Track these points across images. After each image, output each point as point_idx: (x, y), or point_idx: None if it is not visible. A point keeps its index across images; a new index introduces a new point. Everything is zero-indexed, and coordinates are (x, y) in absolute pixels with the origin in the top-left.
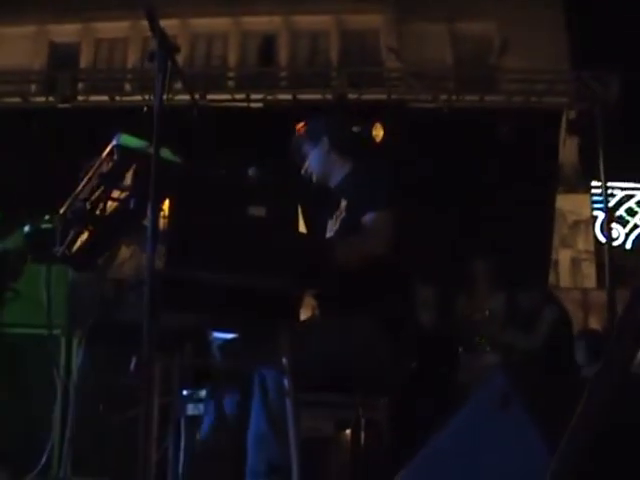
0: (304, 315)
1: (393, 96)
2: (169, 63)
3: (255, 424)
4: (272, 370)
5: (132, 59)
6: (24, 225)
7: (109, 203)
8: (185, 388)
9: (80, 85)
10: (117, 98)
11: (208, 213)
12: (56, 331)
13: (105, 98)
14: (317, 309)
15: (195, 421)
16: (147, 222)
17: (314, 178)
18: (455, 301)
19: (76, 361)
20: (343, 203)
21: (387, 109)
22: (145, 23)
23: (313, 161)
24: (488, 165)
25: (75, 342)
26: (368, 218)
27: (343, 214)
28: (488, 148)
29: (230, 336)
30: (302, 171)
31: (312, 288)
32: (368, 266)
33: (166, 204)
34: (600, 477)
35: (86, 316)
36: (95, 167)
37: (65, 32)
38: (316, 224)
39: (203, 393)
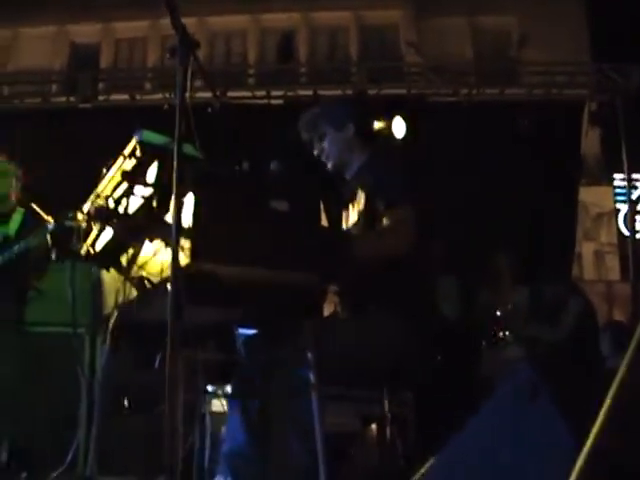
0: (327, 311)
1: (413, 91)
2: (191, 58)
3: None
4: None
5: (152, 58)
6: (47, 223)
7: (132, 200)
8: (210, 384)
9: (100, 85)
10: (137, 97)
11: (231, 208)
12: (80, 329)
13: (126, 97)
14: (339, 305)
15: (220, 418)
16: (170, 218)
17: (330, 164)
18: (478, 295)
19: (100, 359)
20: (360, 194)
21: (407, 104)
22: (164, 22)
23: (333, 145)
24: (509, 158)
25: (99, 340)
26: (389, 213)
27: (361, 206)
28: (509, 141)
29: (254, 332)
30: (316, 152)
31: (335, 283)
32: (390, 262)
33: (189, 200)
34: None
35: (111, 314)
36: (118, 164)
37: (85, 32)
38: (331, 213)
39: (228, 389)
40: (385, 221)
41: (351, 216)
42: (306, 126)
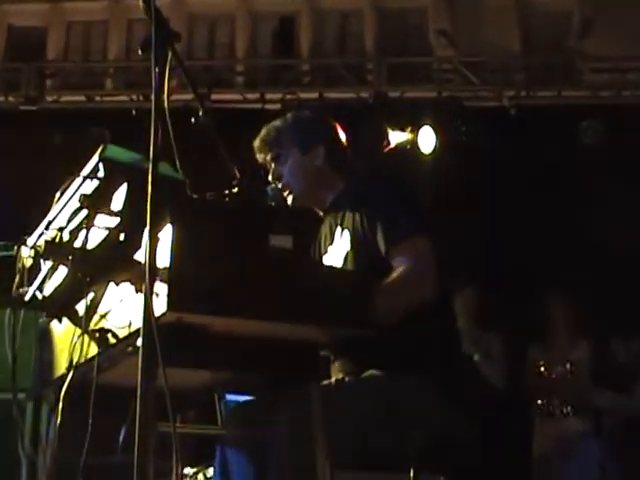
0: (335, 375)
1: (445, 93)
2: (169, 54)
3: None
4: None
5: (114, 48)
6: None
7: (93, 232)
8: (189, 466)
9: (48, 82)
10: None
11: (220, 244)
12: (22, 395)
13: (81, 98)
14: (349, 367)
15: None
16: (142, 256)
17: (291, 196)
18: (527, 352)
19: (47, 433)
20: (342, 231)
21: (438, 109)
22: (129, 2)
23: (295, 172)
24: (569, 177)
25: (46, 409)
26: (397, 251)
27: (347, 247)
28: (569, 156)
29: (245, 398)
30: (270, 178)
31: (350, 341)
32: (411, 313)
33: (166, 233)
34: None
35: (62, 377)
36: (74, 187)
37: (27, 13)
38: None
39: (210, 472)
40: (396, 263)
41: (331, 258)
42: (264, 143)
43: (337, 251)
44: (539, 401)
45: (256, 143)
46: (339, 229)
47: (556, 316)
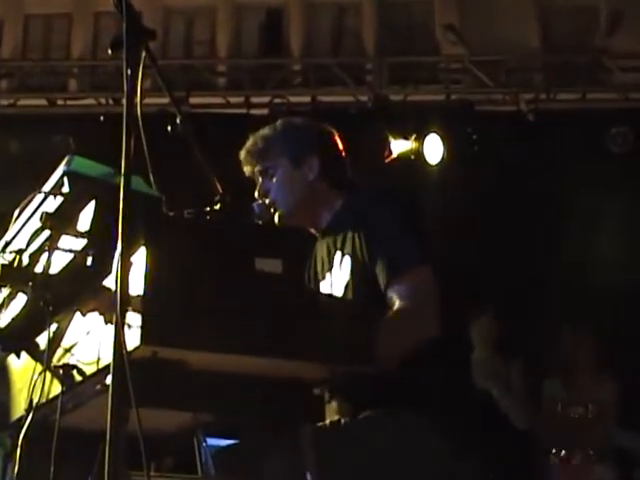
0: (329, 415)
1: (454, 96)
2: (142, 53)
3: None
4: None
5: (78, 45)
6: None
7: (56, 255)
8: None
9: (3, 82)
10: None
11: (200, 268)
12: None
13: (42, 101)
14: (348, 405)
15: None
16: (112, 283)
17: (278, 214)
18: (544, 390)
19: None
20: (342, 257)
21: (446, 114)
22: None
23: (286, 186)
24: (594, 191)
25: (1, 454)
26: (402, 284)
27: (348, 276)
28: (595, 166)
29: (229, 442)
30: (257, 193)
31: (348, 379)
32: (416, 350)
33: (140, 257)
34: None
35: (21, 419)
36: (35, 204)
37: None
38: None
39: None
40: (396, 297)
41: (330, 287)
42: (250, 155)
43: (337, 279)
44: (554, 449)
45: (242, 154)
46: (339, 254)
47: (577, 350)
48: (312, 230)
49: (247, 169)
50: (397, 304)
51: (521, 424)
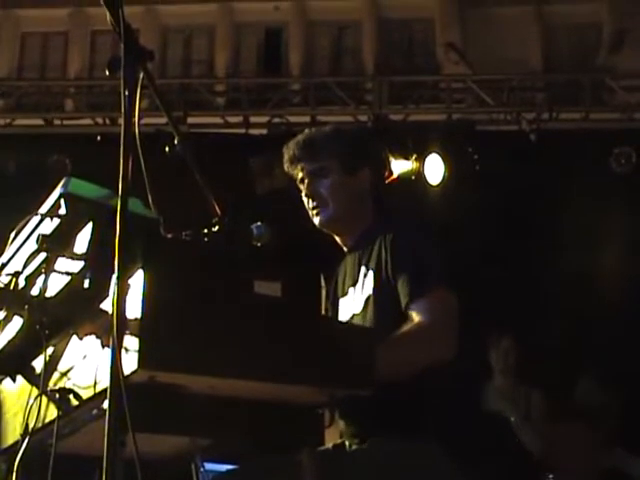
0: (330, 440)
1: (455, 115)
2: (140, 74)
3: None
4: None
5: (75, 64)
6: None
7: (52, 277)
8: None
9: (0, 102)
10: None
11: (198, 291)
12: None
13: (38, 121)
14: (349, 429)
15: None
16: (109, 306)
17: (323, 217)
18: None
19: None
20: (366, 271)
21: (447, 134)
22: (92, 11)
23: (339, 192)
24: (598, 212)
25: None
26: (424, 303)
27: (370, 291)
28: (598, 187)
29: (227, 467)
30: (304, 195)
31: (351, 401)
32: (427, 372)
33: (138, 280)
34: None
35: (15, 444)
36: (32, 226)
37: None
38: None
39: None
40: (415, 314)
41: (351, 302)
42: (303, 150)
43: (358, 294)
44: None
45: (290, 150)
46: (364, 269)
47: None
48: (341, 242)
49: (291, 167)
50: (413, 321)
51: (538, 452)
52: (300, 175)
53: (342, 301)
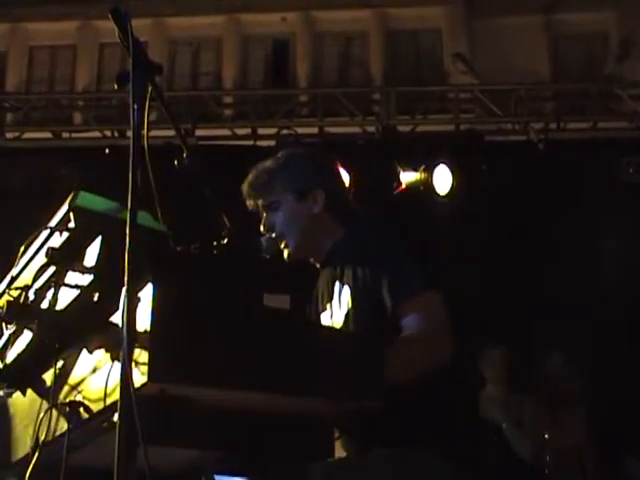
0: (341, 450)
1: (463, 126)
2: (149, 88)
3: None
4: None
5: (83, 77)
6: None
7: (62, 291)
8: None
9: (8, 116)
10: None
11: (207, 304)
12: None
13: (47, 134)
14: (358, 441)
15: None
16: (119, 319)
17: (287, 250)
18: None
19: None
20: (341, 287)
21: (455, 145)
22: (101, 24)
23: (290, 221)
24: (607, 223)
25: None
26: (410, 310)
27: (348, 306)
28: (607, 198)
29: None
30: (263, 228)
31: (355, 414)
32: (423, 379)
33: (147, 293)
34: None
35: (26, 457)
36: (41, 239)
37: None
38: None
39: None
40: (405, 323)
41: (330, 318)
42: (252, 189)
43: (336, 310)
44: None
45: (244, 188)
46: (338, 284)
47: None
48: (315, 262)
49: (250, 203)
50: (408, 328)
51: (529, 458)
52: (255, 209)
53: (323, 316)
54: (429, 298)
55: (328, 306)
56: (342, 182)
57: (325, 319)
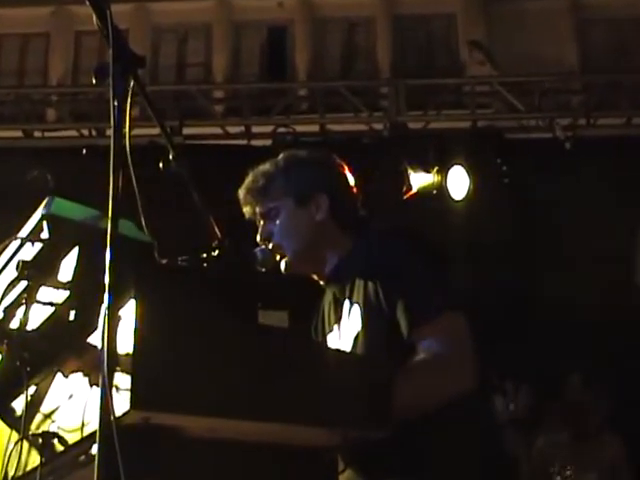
0: None
1: (481, 123)
2: (131, 82)
3: None
4: None
5: (57, 69)
6: None
7: (34, 309)
8: None
9: None
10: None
11: (196, 323)
12: None
13: (17, 133)
14: (366, 475)
15: None
16: (98, 339)
17: (284, 261)
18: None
19: None
20: (350, 306)
21: (472, 143)
22: (76, 10)
23: (290, 230)
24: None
25: None
26: (430, 333)
27: (358, 326)
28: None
29: None
30: (259, 238)
31: (363, 444)
32: (442, 408)
33: (129, 310)
34: None
35: None
36: (11, 251)
37: None
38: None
39: None
40: (423, 347)
41: (338, 339)
42: (249, 194)
43: (345, 331)
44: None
45: (240, 194)
46: (347, 303)
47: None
48: (317, 278)
49: (247, 210)
50: (424, 352)
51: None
52: (253, 217)
53: (329, 338)
54: (450, 320)
55: (335, 327)
56: (349, 187)
57: (332, 341)
